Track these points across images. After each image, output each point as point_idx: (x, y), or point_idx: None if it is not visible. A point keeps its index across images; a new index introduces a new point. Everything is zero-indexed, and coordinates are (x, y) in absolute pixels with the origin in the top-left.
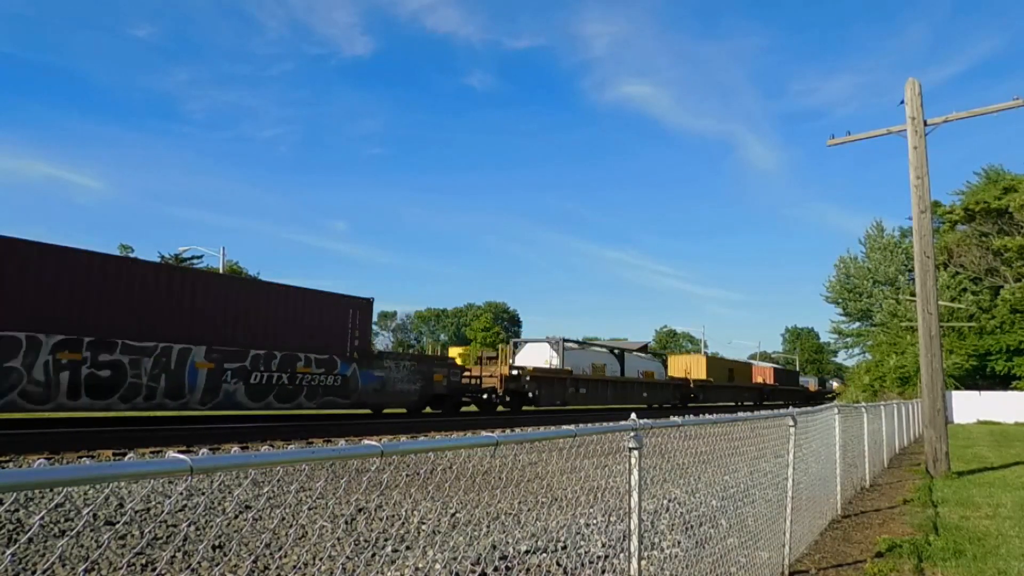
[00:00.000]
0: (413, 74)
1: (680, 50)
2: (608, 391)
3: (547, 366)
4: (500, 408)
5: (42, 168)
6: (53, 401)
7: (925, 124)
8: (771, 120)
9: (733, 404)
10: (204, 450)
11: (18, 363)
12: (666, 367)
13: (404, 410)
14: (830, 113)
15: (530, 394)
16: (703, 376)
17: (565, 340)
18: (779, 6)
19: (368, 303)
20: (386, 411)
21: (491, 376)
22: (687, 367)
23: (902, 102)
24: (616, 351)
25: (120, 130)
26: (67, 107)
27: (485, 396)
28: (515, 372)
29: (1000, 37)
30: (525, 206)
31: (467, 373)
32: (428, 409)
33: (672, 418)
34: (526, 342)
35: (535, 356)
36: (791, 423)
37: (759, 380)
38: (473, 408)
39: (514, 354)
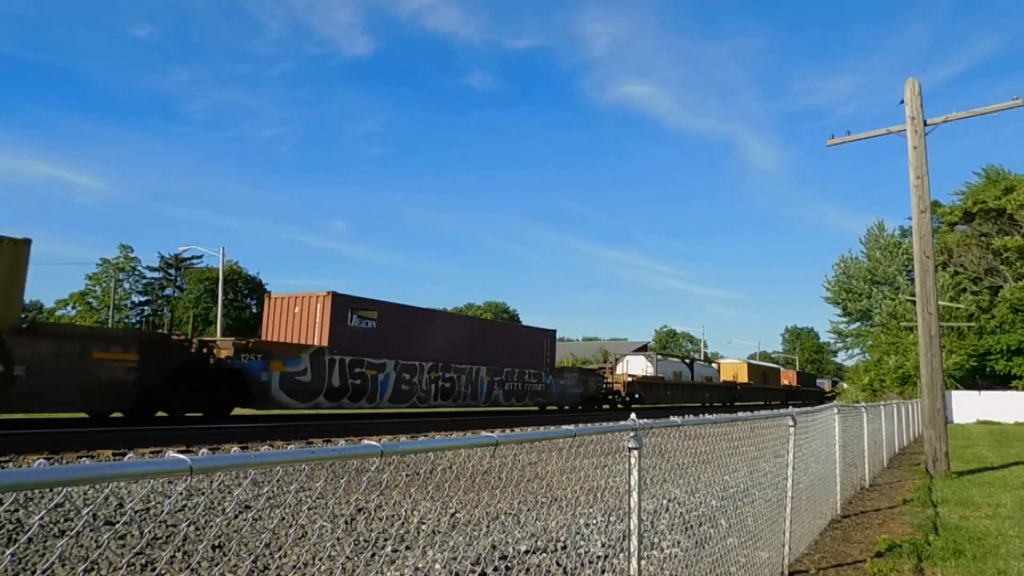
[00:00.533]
0: (413, 74)
1: (681, 50)
2: (685, 392)
3: (646, 374)
4: (620, 406)
5: (42, 168)
6: (425, 403)
7: (925, 124)
8: (771, 120)
9: (762, 403)
10: (204, 450)
11: (416, 378)
12: (719, 372)
13: (568, 407)
14: (831, 113)
15: (637, 395)
16: (746, 379)
17: (657, 352)
18: (779, 6)
19: (552, 333)
20: (550, 408)
21: (617, 383)
22: (735, 372)
23: (902, 102)
24: (687, 360)
25: (120, 130)
26: (67, 107)
27: (611, 397)
28: (630, 379)
29: (1001, 37)
30: (525, 206)
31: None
32: (577, 407)
33: (672, 418)
34: (626, 355)
35: (635, 366)
36: (791, 423)
37: (785, 383)
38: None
39: (615, 365)
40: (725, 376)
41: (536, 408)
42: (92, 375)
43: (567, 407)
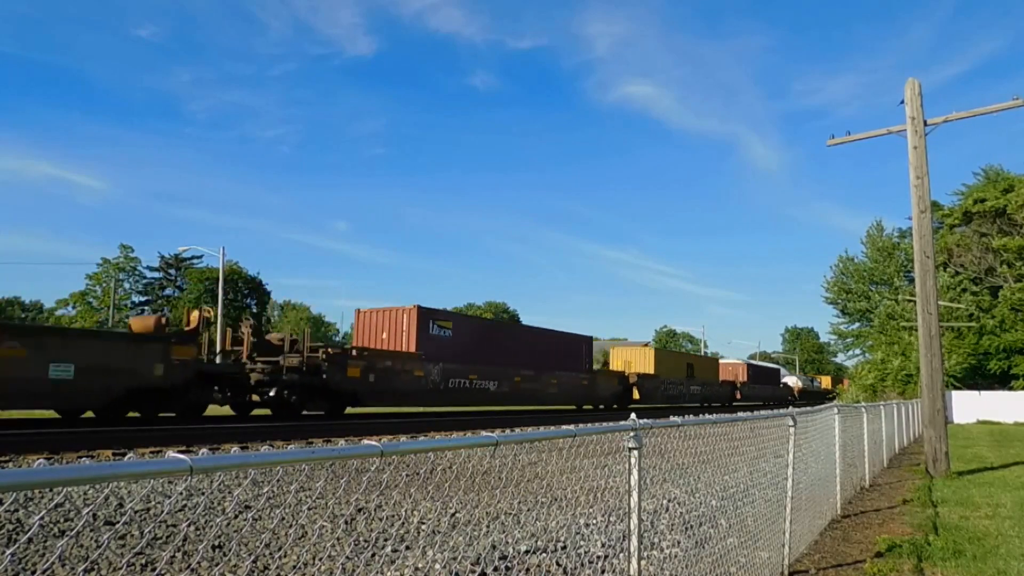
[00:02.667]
0: (416, 74)
1: (683, 50)
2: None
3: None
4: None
5: (44, 168)
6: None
7: (925, 124)
8: (773, 120)
9: (762, 402)
10: (204, 450)
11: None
12: (718, 372)
13: (603, 406)
14: (832, 113)
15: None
16: (745, 379)
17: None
18: (782, 6)
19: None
20: (586, 407)
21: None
22: (736, 372)
23: (902, 102)
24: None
25: (122, 130)
26: (69, 107)
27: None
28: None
29: (1002, 37)
30: (526, 206)
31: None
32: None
33: (672, 418)
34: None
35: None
36: (791, 423)
37: (789, 383)
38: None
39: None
40: (725, 375)
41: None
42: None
43: (602, 406)
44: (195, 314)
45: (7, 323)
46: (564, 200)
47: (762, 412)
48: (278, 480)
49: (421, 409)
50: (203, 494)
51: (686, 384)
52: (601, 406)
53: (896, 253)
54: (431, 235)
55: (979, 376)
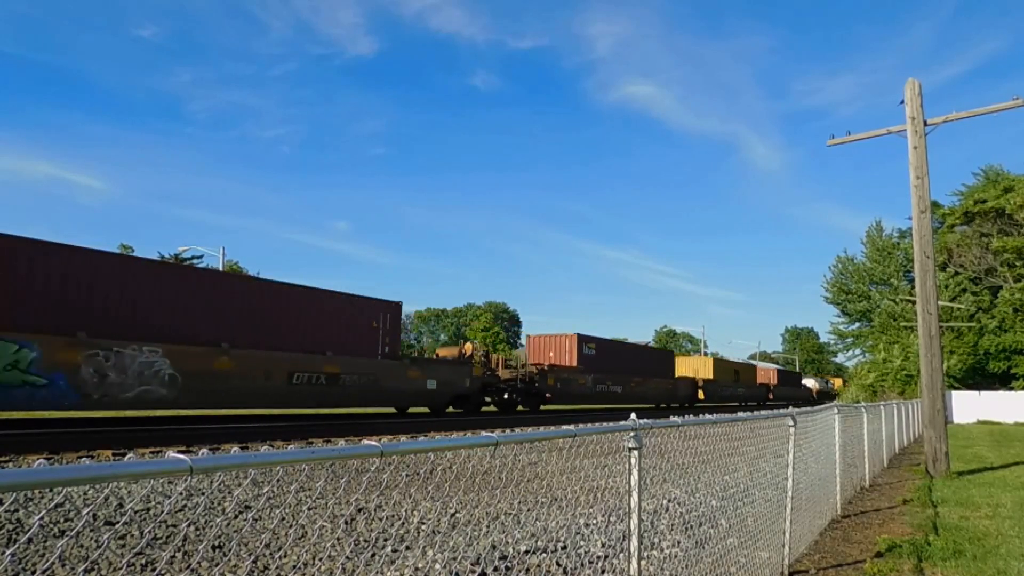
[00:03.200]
0: (417, 74)
1: (684, 50)
2: (738, 390)
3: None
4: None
5: (45, 168)
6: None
7: (925, 124)
8: (774, 120)
9: (785, 402)
10: (204, 450)
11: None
12: (756, 375)
13: (677, 404)
14: (833, 113)
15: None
16: (775, 382)
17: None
18: (783, 6)
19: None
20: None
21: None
22: (769, 376)
23: (902, 102)
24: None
25: (123, 130)
26: (71, 107)
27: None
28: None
29: (1004, 37)
30: (527, 206)
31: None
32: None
33: (672, 418)
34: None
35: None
36: (791, 423)
37: (808, 384)
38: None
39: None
40: (761, 378)
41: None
42: None
43: (675, 404)
44: (468, 346)
45: (413, 357)
46: (565, 200)
47: (762, 412)
48: (278, 480)
49: (583, 407)
50: (203, 494)
51: (734, 387)
52: (675, 404)
53: (896, 253)
54: (431, 235)
55: (979, 376)
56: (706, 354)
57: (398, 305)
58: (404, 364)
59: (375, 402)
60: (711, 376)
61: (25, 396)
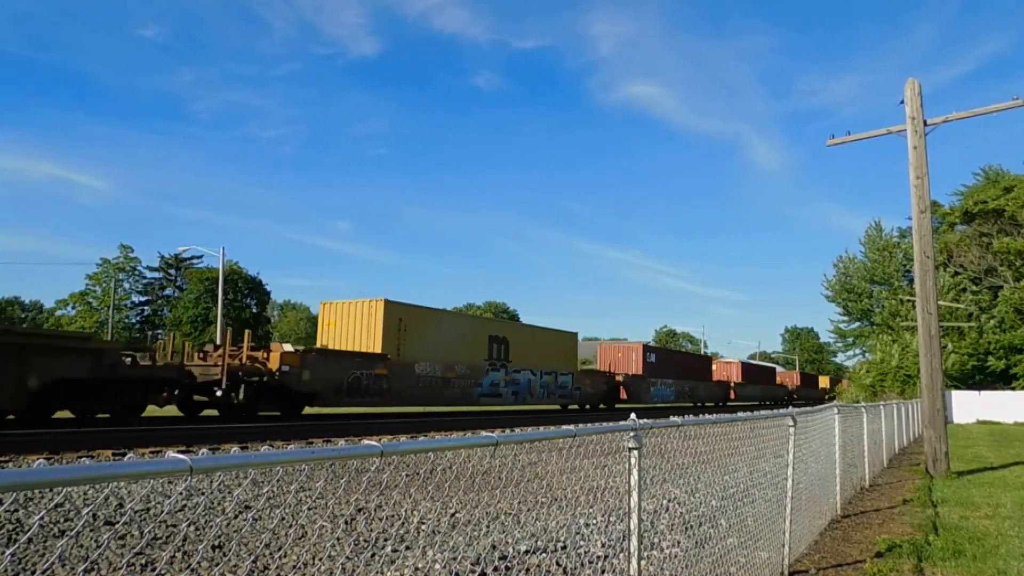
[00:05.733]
0: (419, 74)
1: (687, 50)
2: (760, 391)
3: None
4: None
5: (47, 168)
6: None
7: (925, 124)
8: (776, 120)
9: (803, 401)
10: (204, 450)
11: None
12: (775, 377)
13: (712, 403)
14: (836, 113)
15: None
16: (798, 384)
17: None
18: (786, 5)
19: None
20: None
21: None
22: (793, 378)
23: (902, 102)
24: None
25: (125, 130)
26: (73, 107)
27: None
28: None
29: (1006, 37)
30: (529, 206)
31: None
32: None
33: (671, 418)
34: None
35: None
36: (791, 423)
37: (823, 385)
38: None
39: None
40: (782, 380)
41: (701, 403)
42: None
43: (710, 404)
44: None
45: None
46: (566, 200)
47: (762, 412)
48: (278, 480)
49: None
50: (203, 494)
51: (759, 388)
52: (710, 404)
53: (896, 253)
54: (433, 235)
55: (979, 376)
56: (706, 354)
57: None
58: None
59: None
60: (740, 379)
61: None
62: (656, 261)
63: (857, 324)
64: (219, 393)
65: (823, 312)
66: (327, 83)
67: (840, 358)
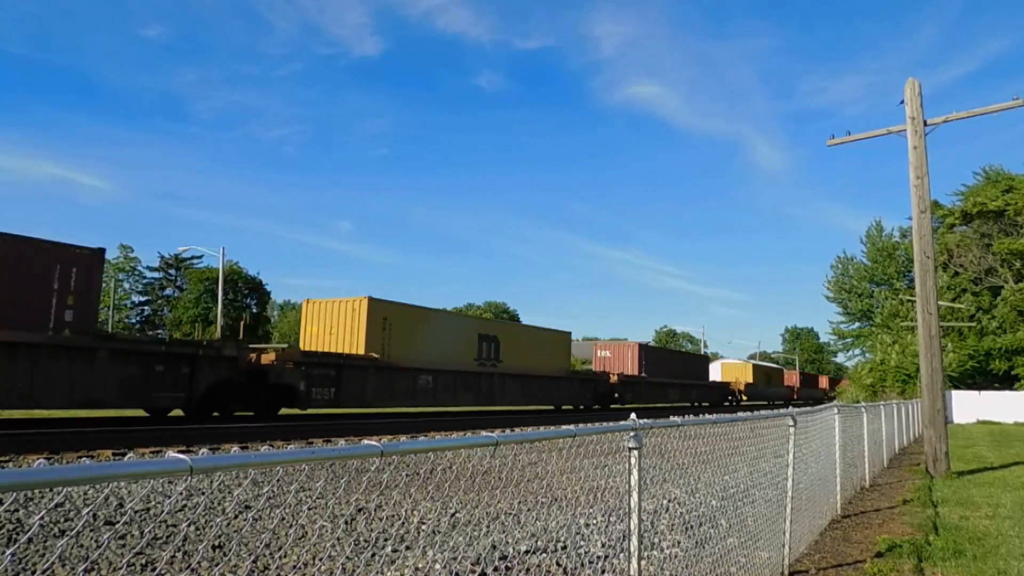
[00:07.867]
0: (422, 74)
1: (689, 50)
2: (771, 390)
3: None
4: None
5: (48, 168)
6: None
7: (925, 124)
8: (779, 120)
9: (807, 400)
10: (204, 450)
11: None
12: (784, 378)
13: (716, 403)
14: (838, 113)
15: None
16: (798, 384)
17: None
18: (789, 6)
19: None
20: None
21: (736, 382)
22: (791, 378)
23: (902, 102)
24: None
25: (127, 130)
26: (74, 107)
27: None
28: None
29: (1009, 37)
30: (530, 206)
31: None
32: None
33: (672, 418)
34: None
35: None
36: (791, 423)
37: (823, 386)
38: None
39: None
40: (787, 381)
41: (707, 403)
42: None
43: (713, 403)
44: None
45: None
46: (567, 200)
47: (762, 412)
48: (278, 480)
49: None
50: (203, 494)
51: (767, 388)
52: (713, 403)
53: (896, 253)
54: (434, 235)
55: (980, 376)
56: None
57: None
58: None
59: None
60: (751, 380)
61: None
62: (656, 261)
63: (857, 324)
64: None
65: (823, 312)
66: (329, 83)
67: (840, 358)
